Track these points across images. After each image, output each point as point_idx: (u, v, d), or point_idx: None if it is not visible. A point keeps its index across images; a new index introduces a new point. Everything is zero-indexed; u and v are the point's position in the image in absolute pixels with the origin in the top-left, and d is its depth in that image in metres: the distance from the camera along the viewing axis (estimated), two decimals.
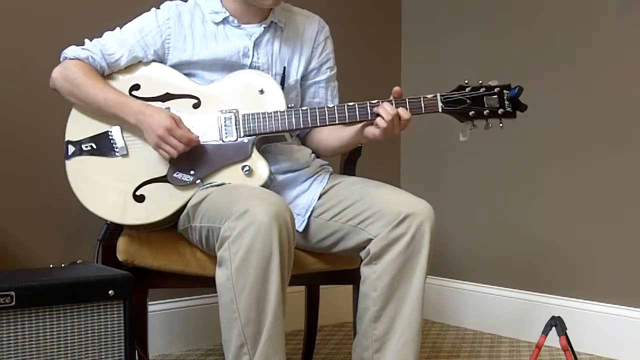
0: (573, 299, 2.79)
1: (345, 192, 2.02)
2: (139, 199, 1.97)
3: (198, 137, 1.97)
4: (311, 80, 2.18)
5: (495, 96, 1.95)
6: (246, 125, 1.99)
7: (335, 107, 1.97)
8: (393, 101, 1.92)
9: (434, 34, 3.28)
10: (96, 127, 2.03)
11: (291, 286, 1.85)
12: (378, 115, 1.91)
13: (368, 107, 1.94)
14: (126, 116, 1.98)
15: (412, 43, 3.38)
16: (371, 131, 1.93)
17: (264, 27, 2.10)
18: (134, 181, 1.98)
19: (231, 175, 1.97)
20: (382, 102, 1.92)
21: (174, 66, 2.07)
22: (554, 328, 2.06)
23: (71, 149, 2.02)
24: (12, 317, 1.65)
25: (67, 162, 2.01)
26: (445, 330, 3.09)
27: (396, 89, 1.93)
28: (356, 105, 1.95)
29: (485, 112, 1.95)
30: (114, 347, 1.76)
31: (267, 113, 1.98)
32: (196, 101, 2.03)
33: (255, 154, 1.98)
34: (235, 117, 2.00)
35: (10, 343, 1.65)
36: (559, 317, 2.06)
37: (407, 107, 1.92)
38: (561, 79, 2.83)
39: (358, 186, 2.03)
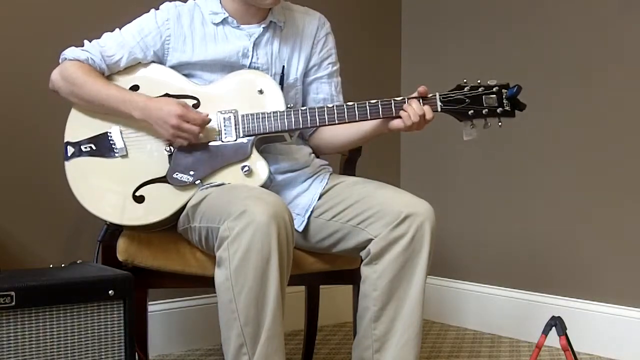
0: (573, 299, 2.79)
1: (346, 192, 2.02)
2: (139, 199, 1.97)
3: (208, 114, 1.97)
4: (312, 77, 2.17)
5: (494, 95, 1.95)
6: (245, 126, 1.99)
7: (335, 107, 1.97)
8: (421, 100, 1.92)
9: (434, 34, 3.28)
10: (95, 128, 2.03)
11: (291, 286, 1.86)
12: (404, 111, 1.91)
13: (367, 107, 1.94)
14: (131, 111, 1.97)
15: (412, 43, 3.38)
16: (396, 125, 1.94)
17: (263, 27, 2.09)
18: (134, 182, 1.98)
19: (231, 175, 1.97)
20: (408, 98, 1.93)
21: (173, 67, 2.07)
22: (554, 328, 2.06)
23: (70, 150, 2.02)
24: (12, 317, 1.65)
25: (66, 163, 2.01)
26: (445, 330, 3.09)
27: (422, 88, 1.93)
28: (355, 105, 1.95)
29: (484, 111, 1.94)
30: (114, 347, 1.77)
31: (266, 113, 1.98)
32: (195, 102, 2.03)
33: (255, 154, 1.98)
34: (235, 118, 2.00)
35: (10, 343, 1.65)
36: (559, 317, 2.06)
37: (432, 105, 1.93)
38: (561, 78, 2.83)
39: (358, 186, 2.03)
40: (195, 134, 1.94)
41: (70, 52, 2.06)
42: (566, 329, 2.05)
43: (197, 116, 1.94)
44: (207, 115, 1.96)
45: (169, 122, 1.93)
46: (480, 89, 1.95)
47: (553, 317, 2.06)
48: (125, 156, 2.01)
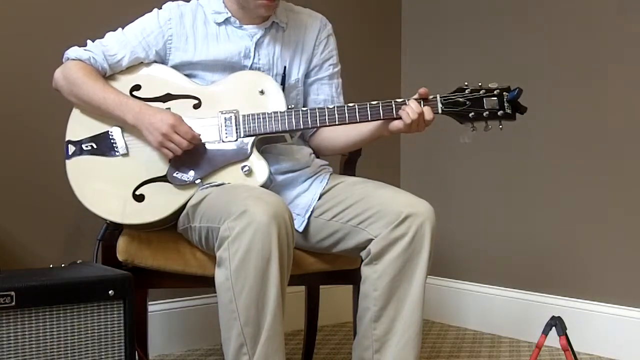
0: (573, 299, 2.79)
1: (346, 192, 2.02)
2: (139, 198, 1.97)
3: (200, 134, 1.97)
4: (313, 78, 2.17)
5: (495, 98, 1.95)
6: (246, 126, 1.99)
7: (336, 108, 1.97)
8: (422, 102, 1.93)
9: (434, 34, 3.28)
10: (97, 127, 2.03)
11: (291, 286, 1.86)
12: (404, 111, 1.91)
13: (368, 109, 1.95)
14: (125, 115, 1.97)
15: (412, 43, 3.38)
16: (396, 126, 1.94)
17: (265, 28, 2.10)
18: (134, 181, 1.98)
19: (231, 175, 1.98)
20: (408, 100, 1.93)
21: (175, 67, 2.08)
22: (554, 328, 2.06)
23: (71, 148, 2.02)
24: (12, 317, 1.65)
25: (67, 161, 2.01)
26: (445, 330, 3.09)
27: (423, 90, 1.93)
28: (356, 106, 1.95)
29: (484, 114, 1.95)
30: (114, 347, 1.77)
31: (267, 114, 1.98)
32: (197, 102, 2.03)
33: (255, 154, 1.98)
34: (236, 118, 2.00)
35: (10, 343, 1.65)
36: (559, 317, 2.06)
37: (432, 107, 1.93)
38: (561, 79, 2.83)
39: (359, 186, 2.03)
40: (183, 147, 1.93)
41: (73, 52, 2.06)
42: (566, 329, 2.05)
43: (188, 130, 1.94)
44: (200, 134, 1.97)
45: (160, 129, 1.93)
46: (481, 92, 1.95)
47: (553, 317, 2.06)
48: (126, 155, 2.01)
